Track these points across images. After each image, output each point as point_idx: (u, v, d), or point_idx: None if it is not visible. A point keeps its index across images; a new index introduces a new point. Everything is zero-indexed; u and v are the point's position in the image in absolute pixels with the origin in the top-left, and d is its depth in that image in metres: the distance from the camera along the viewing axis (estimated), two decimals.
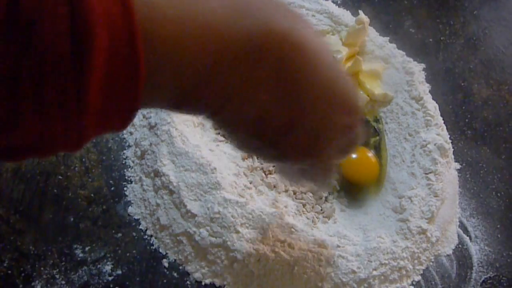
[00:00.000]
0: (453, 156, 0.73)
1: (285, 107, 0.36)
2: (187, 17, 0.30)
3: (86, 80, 0.25)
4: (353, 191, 0.69)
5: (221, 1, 0.32)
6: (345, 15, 0.81)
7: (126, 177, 0.66)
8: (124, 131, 0.69)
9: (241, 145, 0.42)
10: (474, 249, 0.67)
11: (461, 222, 0.69)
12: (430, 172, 0.66)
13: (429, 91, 0.76)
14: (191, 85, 0.32)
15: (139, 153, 0.66)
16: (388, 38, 0.80)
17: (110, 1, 0.25)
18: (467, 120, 0.79)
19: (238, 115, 0.36)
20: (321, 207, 0.66)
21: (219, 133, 0.69)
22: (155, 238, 0.62)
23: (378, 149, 0.73)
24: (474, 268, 0.66)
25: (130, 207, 0.64)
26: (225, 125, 0.38)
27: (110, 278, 0.59)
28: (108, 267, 0.59)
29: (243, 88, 0.34)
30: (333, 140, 0.41)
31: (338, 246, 0.61)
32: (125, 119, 0.30)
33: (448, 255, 0.66)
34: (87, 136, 0.28)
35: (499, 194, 0.72)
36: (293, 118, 0.37)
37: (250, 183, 0.64)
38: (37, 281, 0.57)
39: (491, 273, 0.65)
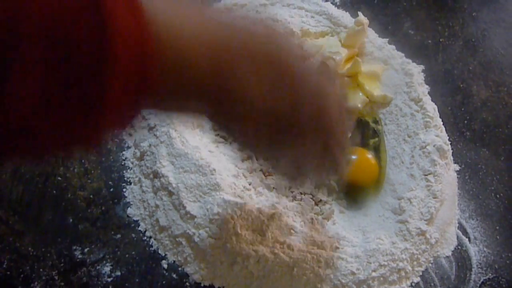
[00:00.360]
0: (452, 158, 0.73)
1: (283, 98, 0.39)
2: (189, 23, 0.34)
3: (107, 80, 0.28)
4: (353, 193, 0.69)
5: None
6: (344, 17, 0.81)
7: (125, 178, 0.66)
8: (124, 132, 0.69)
9: (243, 144, 0.45)
10: (473, 250, 0.67)
11: (460, 224, 0.69)
12: (429, 174, 0.66)
13: (428, 93, 0.76)
14: (194, 85, 0.35)
15: (138, 154, 0.66)
16: (387, 39, 0.81)
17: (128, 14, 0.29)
18: (466, 122, 0.79)
19: (240, 111, 0.39)
20: (320, 208, 0.66)
21: (218, 135, 0.69)
22: (154, 239, 0.62)
23: (377, 151, 0.73)
24: (473, 269, 0.66)
25: (129, 208, 0.63)
26: (228, 124, 0.42)
27: (109, 280, 0.58)
28: (107, 269, 0.59)
29: (242, 84, 0.37)
30: (332, 127, 0.43)
31: (337, 248, 0.61)
32: (131, 118, 0.34)
33: (447, 256, 0.66)
34: (105, 132, 0.32)
35: (498, 196, 0.72)
36: (292, 108, 0.40)
37: (250, 184, 0.64)
38: (36, 283, 0.57)
39: (490, 274, 0.66)
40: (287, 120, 0.40)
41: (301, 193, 0.66)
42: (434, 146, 0.67)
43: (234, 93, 0.37)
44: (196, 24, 0.35)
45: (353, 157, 0.70)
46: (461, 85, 0.83)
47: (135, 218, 0.63)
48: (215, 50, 0.36)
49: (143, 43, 0.29)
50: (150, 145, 0.65)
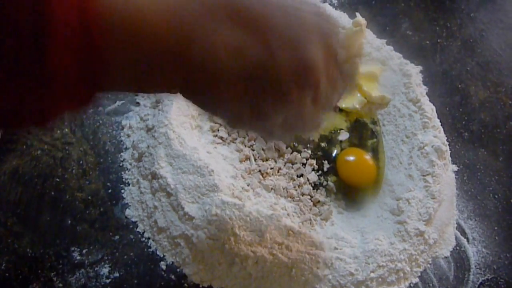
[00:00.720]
0: (450, 158, 0.73)
1: (256, 53, 0.36)
2: None
3: (46, 52, 0.27)
4: (351, 193, 0.69)
5: None
6: (342, 18, 0.81)
7: (124, 180, 0.66)
8: (122, 133, 0.69)
9: (228, 119, 0.41)
10: (471, 251, 0.67)
11: (458, 224, 0.69)
12: (428, 174, 0.66)
13: (426, 93, 0.76)
14: (155, 57, 0.33)
15: (136, 155, 0.66)
16: (385, 40, 0.81)
17: None
18: (464, 122, 0.79)
19: (213, 78, 0.36)
20: (318, 209, 0.66)
21: (216, 136, 0.69)
22: (153, 240, 0.62)
23: (375, 151, 0.73)
24: (471, 270, 0.66)
25: (127, 209, 0.63)
26: (204, 98, 0.38)
27: (107, 281, 0.58)
28: (105, 270, 0.59)
29: (208, 46, 0.34)
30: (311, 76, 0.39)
31: (336, 248, 0.61)
32: (88, 93, 0.32)
33: (445, 257, 0.66)
34: (53, 108, 0.30)
35: (496, 196, 0.72)
36: (268, 62, 0.36)
37: (248, 185, 0.64)
38: (34, 284, 0.57)
39: (488, 275, 0.66)
40: (267, 78, 0.37)
41: (299, 194, 0.66)
42: (432, 146, 0.67)
43: (202, 58, 0.35)
44: None
45: (351, 158, 0.70)
46: (459, 86, 0.84)
47: (133, 219, 0.63)
48: (173, 14, 0.33)
49: (83, 4, 0.28)
50: (148, 146, 0.65)
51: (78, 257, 0.59)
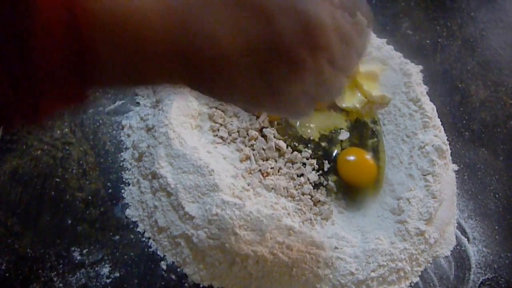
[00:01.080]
0: (450, 158, 0.73)
1: (258, 35, 0.34)
2: None
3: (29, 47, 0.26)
4: (351, 193, 0.69)
5: None
6: None
7: (124, 180, 0.66)
8: (122, 133, 0.69)
9: (238, 102, 0.40)
10: (472, 250, 0.67)
11: (459, 224, 0.69)
12: (428, 174, 0.66)
13: (427, 93, 0.76)
14: (146, 48, 0.32)
15: (136, 155, 0.66)
16: (386, 39, 0.81)
17: None
18: (464, 122, 0.79)
19: (216, 65, 0.35)
20: (319, 209, 0.66)
21: (216, 135, 0.69)
22: (153, 240, 0.61)
23: (376, 151, 0.73)
24: (472, 269, 0.66)
25: (127, 209, 0.63)
26: (209, 84, 0.37)
27: (108, 281, 0.58)
28: (106, 270, 0.59)
29: (207, 32, 0.33)
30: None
31: (336, 248, 0.61)
32: (80, 89, 0.31)
33: (446, 256, 0.66)
34: (44, 105, 0.30)
35: (497, 196, 0.72)
36: (272, 41, 0.34)
37: (248, 185, 0.64)
38: (35, 284, 0.57)
39: (489, 274, 0.65)
40: (274, 48, 0.35)
41: (300, 194, 0.66)
42: (432, 146, 0.67)
43: (200, 45, 0.33)
44: None
45: (352, 158, 0.70)
46: (460, 85, 0.84)
47: (133, 219, 0.63)
48: (164, 3, 0.32)
49: None
50: (148, 146, 0.65)
51: (79, 257, 0.59)
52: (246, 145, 0.68)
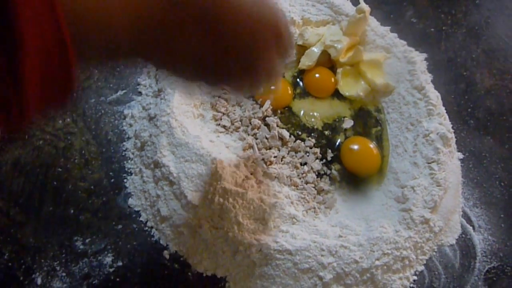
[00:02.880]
0: (455, 146, 0.72)
1: (212, 39, 0.38)
2: None
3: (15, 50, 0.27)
4: (355, 182, 0.68)
5: None
6: (346, 5, 0.80)
7: (126, 169, 0.66)
8: (124, 123, 0.69)
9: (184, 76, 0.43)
10: (477, 238, 0.67)
11: (464, 212, 0.69)
12: (433, 162, 0.65)
13: (431, 81, 0.75)
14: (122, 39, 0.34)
15: (138, 144, 0.66)
16: (390, 27, 0.80)
17: None
18: (469, 110, 0.78)
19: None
20: (322, 197, 0.65)
21: (219, 124, 0.68)
22: (156, 229, 0.61)
23: (380, 139, 0.72)
24: (477, 258, 0.65)
25: (130, 198, 0.63)
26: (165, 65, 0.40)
27: (111, 270, 0.58)
28: (108, 259, 0.59)
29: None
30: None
31: (340, 236, 0.60)
32: (67, 83, 0.31)
33: (451, 245, 0.65)
34: (30, 104, 0.30)
35: (502, 184, 0.72)
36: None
37: (251, 173, 0.63)
38: (37, 273, 0.57)
39: (494, 262, 0.65)
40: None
41: (303, 182, 0.66)
42: (437, 134, 0.67)
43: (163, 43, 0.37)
44: None
45: (355, 146, 0.70)
46: (465, 73, 0.83)
47: (136, 209, 0.63)
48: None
49: None
50: (150, 135, 0.65)
51: (81, 247, 0.59)
52: (249, 134, 0.68)
